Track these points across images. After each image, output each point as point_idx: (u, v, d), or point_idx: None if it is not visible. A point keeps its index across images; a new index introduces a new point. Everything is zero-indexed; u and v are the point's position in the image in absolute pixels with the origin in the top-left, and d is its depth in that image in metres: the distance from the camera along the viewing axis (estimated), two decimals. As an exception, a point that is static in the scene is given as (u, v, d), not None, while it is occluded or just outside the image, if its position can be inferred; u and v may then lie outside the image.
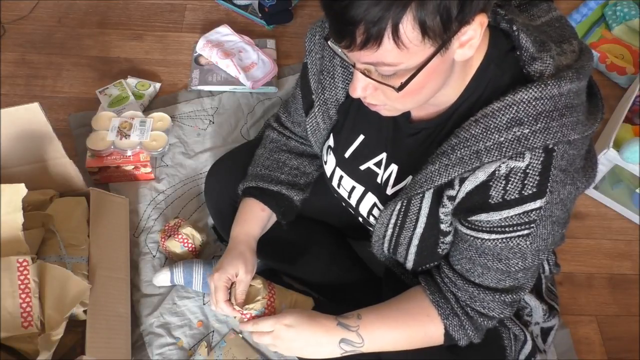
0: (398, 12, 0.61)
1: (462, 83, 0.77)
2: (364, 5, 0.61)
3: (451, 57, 0.69)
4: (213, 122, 1.62)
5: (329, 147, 0.99)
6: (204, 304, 1.28)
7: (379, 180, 0.93)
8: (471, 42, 0.68)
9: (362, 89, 0.74)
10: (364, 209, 0.97)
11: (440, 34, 0.64)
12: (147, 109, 1.63)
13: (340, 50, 0.69)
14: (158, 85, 1.68)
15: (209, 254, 1.36)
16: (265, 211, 1.05)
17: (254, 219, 1.05)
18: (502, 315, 0.90)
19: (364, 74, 0.71)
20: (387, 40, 0.64)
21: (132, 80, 1.67)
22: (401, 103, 0.76)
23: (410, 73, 0.68)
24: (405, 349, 0.93)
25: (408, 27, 0.62)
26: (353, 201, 0.98)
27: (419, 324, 0.92)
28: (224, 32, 1.77)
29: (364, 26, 0.63)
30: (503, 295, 0.86)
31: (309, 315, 0.94)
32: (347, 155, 0.95)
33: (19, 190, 1.04)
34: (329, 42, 0.71)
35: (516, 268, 0.82)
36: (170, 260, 1.34)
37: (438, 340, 0.92)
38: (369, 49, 0.65)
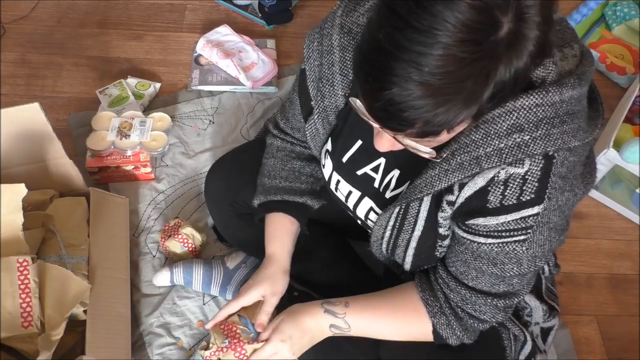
0: (462, 115, 0.61)
1: None
2: (426, 115, 0.60)
3: None
4: (213, 122, 1.62)
5: (327, 151, 0.98)
6: (204, 304, 1.28)
7: (376, 185, 0.92)
8: None
9: (390, 145, 0.73)
10: (361, 213, 0.97)
11: (486, 107, 0.64)
12: (147, 109, 1.63)
13: (365, 109, 0.68)
14: (158, 85, 1.68)
15: (209, 254, 1.36)
16: (295, 224, 1.05)
17: (286, 234, 1.05)
18: (494, 320, 0.89)
19: (394, 137, 0.70)
20: (442, 133, 0.64)
21: (132, 80, 1.67)
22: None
23: (446, 138, 0.69)
24: (393, 339, 0.94)
25: (464, 120, 0.63)
26: (350, 205, 0.98)
27: (406, 318, 0.92)
28: (224, 32, 1.77)
29: (421, 127, 0.62)
30: (496, 299, 0.86)
31: (296, 321, 0.93)
32: (344, 160, 0.95)
33: (19, 190, 1.04)
34: (350, 100, 0.70)
35: (511, 273, 0.82)
36: (170, 260, 1.34)
37: (427, 336, 0.92)
38: (418, 139, 0.65)
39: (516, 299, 0.88)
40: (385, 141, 0.73)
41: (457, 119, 0.61)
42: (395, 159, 0.89)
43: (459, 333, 0.90)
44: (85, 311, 1.06)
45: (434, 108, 0.59)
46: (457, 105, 0.60)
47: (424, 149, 0.71)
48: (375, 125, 0.68)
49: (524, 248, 0.78)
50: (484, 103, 0.61)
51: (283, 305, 1.15)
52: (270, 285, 1.00)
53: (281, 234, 1.05)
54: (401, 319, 0.93)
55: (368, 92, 0.63)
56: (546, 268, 1.10)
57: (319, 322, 0.93)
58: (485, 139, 0.73)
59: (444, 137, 0.66)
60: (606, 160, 1.38)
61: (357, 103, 0.69)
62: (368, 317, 0.93)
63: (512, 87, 0.63)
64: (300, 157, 1.08)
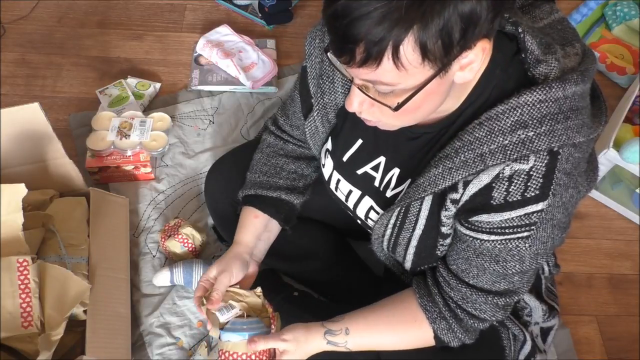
0: (400, 33, 0.61)
1: (463, 93, 0.77)
2: (366, 25, 0.61)
3: (450, 79, 0.69)
4: (213, 122, 1.62)
5: (327, 150, 0.98)
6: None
7: (376, 184, 0.92)
8: (471, 65, 0.68)
9: (358, 103, 0.74)
10: (361, 212, 0.97)
11: (441, 57, 0.64)
12: (147, 109, 1.63)
13: (339, 63, 0.69)
14: (158, 85, 1.68)
15: (209, 254, 1.36)
16: (259, 217, 1.05)
17: (248, 226, 1.05)
18: (493, 318, 0.89)
19: (360, 89, 0.71)
20: (387, 60, 0.64)
21: (132, 80, 1.67)
22: (397, 120, 0.76)
23: (407, 93, 0.68)
24: (394, 349, 0.94)
25: (408, 48, 0.62)
26: (350, 204, 0.98)
27: (407, 330, 0.92)
28: (224, 32, 1.77)
29: (364, 45, 0.63)
30: (496, 298, 0.86)
31: (302, 347, 0.93)
32: (345, 159, 0.95)
33: (19, 190, 1.04)
34: (328, 54, 0.71)
35: (513, 271, 0.82)
36: (170, 260, 1.34)
37: (429, 342, 0.92)
38: (367, 67, 0.65)
39: (516, 297, 0.88)
40: (353, 97, 0.73)
41: (396, 41, 0.62)
42: (396, 157, 0.89)
43: (460, 335, 0.90)
44: (85, 311, 1.06)
45: (375, 21, 0.61)
46: (394, 21, 0.60)
47: (387, 103, 0.71)
48: (339, 66, 0.70)
49: (527, 245, 0.78)
50: (426, 40, 0.61)
51: (283, 305, 1.15)
52: (220, 265, 0.99)
53: (244, 226, 1.05)
54: (402, 332, 0.93)
55: (324, 11, 0.66)
56: (546, 268, 1.10)
57: (320, 349, 0.94)
58: (489, 136, 0.73)
59: (394, 74, 0.65)
60: (606, 160, 1.38)
61: (331, 56, 0.70)
62: (368, 339, 0.93)
63: (462, 36, 0.63)
64: (288, 155, 1.09)
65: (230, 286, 0.99)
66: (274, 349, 0.94)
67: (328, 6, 0.65)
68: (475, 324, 0.89)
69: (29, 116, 1.10)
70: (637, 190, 1.45)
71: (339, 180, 0.97)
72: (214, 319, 0.96)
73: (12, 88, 1.68)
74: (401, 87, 0.68)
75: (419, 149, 0.84)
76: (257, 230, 1.05)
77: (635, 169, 1.35)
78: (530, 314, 1.06)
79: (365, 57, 0.64)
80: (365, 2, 0.61)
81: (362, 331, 0.93)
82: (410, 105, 0.70)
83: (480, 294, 0.86)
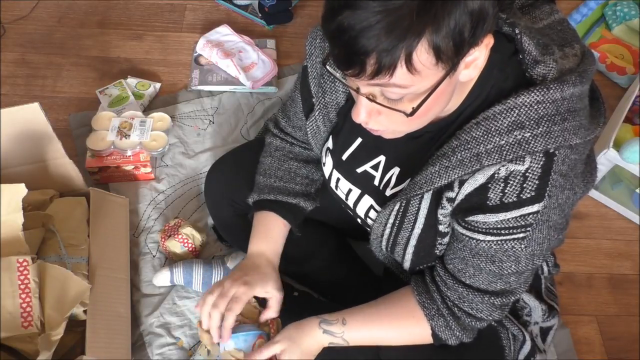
0: (412, 39, 0.60)
1: (463, 93, 0.77)
2: (375, 35, 0.60)
3: (457, 77, 0.69)
4: (213, 122, 1.62)
5: (328, 149, 0.98)
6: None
7: (376, 182, 0.92)
8: (476, 62, 0.68)
9: (367, 113, 0.73)
10: (361, 211, 0.97)
11: (452, 57, 0.64)
12: (147, 109, 1.63)
13: (339, 74, 0.68)
14: (158, 85, 1.68)
15: (209, 254, 1.36)
16: (287, 226, 1.04)
17: (278, 234, 1.04)
18: (490, 318, 0.89)
19: (368, 98, 0.70)
20: (400, 68, 0.63)
21: (132, 80, 1.67)
22: (406, 126, 0.75)
23: (419, 97, 0.68)
24: (393, 345, 0.94)
25: (422, 53, 0.62)
26: (350, 203, 0.98)
27: (404, 325, 0.92)
28: (224, 32, 1.77)
29: (375, 56, 0.61)
30: (493, 297, 0.86)
31: (300, 348, 0.92)
32: (344, 157, 0.95)
33: (19, 190, 1.04)
34: (327, 66, 0.70)
35: (509, 271, 0.82)
36: (170, 260, 1.34)
37: (426, 339, 0.92)
38: (380, 78, 0.64)
39: (513, 297, 0.88)
40: (360, 108, 0.72)
41: (409, 47, 0.61)
42: (396, 156, 0.89)
43: (457, 333, 0.90)
44: (85, 311, 1.06)
45: (384, 31, 0.60)
46: (405, 28, 0.60)
47: (399, 108, 0.70)
48: (343, 79, 0.69)
49: (522, 246, 0.78)
50: (439, 42, 0.61)
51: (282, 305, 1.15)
52: (275, 281, 0.98)
53: (272, 233, 1.03)
54: (399, 327, 0.93)
55: (326, 26, 0.64)
56: (545, 268, 1.10)
57: (318, 342, 0.93)
58: (485, 136, 0.73)
59: (407, 77, 0.64)
60: (606, 160, 1.38)
61: (330, 67, 0.70)
62: (366, 331, 0.93)
63: (471, 34, 0.63)
64: (297, 158, 1.08)
65: None
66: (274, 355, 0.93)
67: (330, 20, 0.63)
68: (473, 323, 0.89)
69: (29, 116, 1.10)
70: (637, 190, 1.45)
71: (338, 179, 0.97)
72: (211, 339, 0.96)
73: (12, 88, 1.68)
74: (413, 91, 0.67)
75: (420, 148, 0.84)
76: (283, 238, 1.04)
77: (635, 169, 1.35)
78: (530, 313, 1.06)
79: (377, 69, 0.63)
80: (371, 12, 0.60)
81: (360, 323, 0.93)
82: (423, 109, 0.69)
83: (476, 293, 0.86)
